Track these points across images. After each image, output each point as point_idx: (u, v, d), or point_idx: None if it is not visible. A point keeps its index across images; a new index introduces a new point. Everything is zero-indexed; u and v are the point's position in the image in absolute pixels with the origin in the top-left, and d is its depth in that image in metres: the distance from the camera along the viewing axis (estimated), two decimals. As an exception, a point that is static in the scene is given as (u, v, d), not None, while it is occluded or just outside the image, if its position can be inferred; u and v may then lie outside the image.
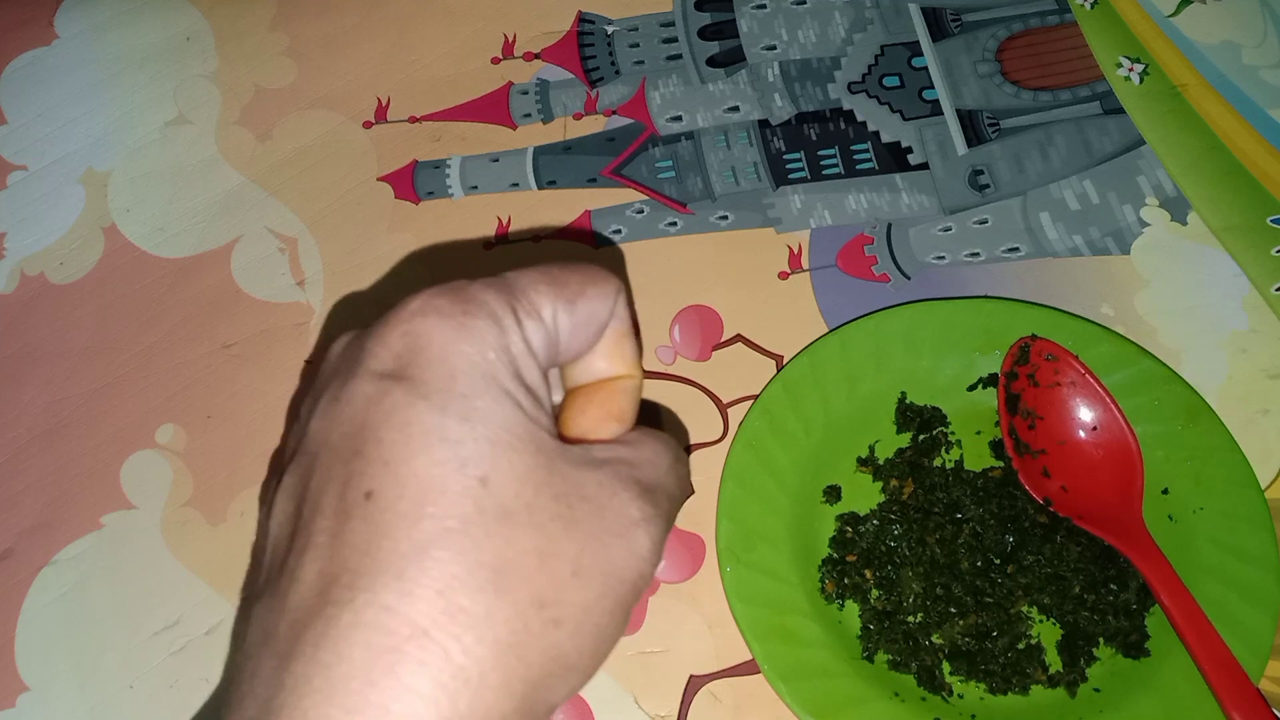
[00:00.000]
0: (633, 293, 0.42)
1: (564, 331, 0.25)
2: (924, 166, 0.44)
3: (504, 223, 0.44)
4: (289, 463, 0.24)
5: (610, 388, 0.27)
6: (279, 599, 0.22)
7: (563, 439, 0.24)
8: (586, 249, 0.43)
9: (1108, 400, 0.36)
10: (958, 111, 0.45)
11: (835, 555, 0.36)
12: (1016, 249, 0.42)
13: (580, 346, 0.26)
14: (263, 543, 0.25)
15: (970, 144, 0.44)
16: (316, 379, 0.26)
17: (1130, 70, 0.45)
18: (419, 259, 0.43)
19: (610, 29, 0.48)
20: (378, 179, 0.45)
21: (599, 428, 0.26)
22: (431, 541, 0.21)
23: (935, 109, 0.45)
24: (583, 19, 0.48)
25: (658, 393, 0.40)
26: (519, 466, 0.22)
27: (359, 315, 0.42)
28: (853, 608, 0.36)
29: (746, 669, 0.35)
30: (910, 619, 0.35)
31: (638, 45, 0.47)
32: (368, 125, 0.46)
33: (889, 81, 0.46)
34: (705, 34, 0.47)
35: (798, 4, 0.48)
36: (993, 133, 0.44)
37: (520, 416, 0.23)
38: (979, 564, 0.35)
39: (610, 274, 0.26)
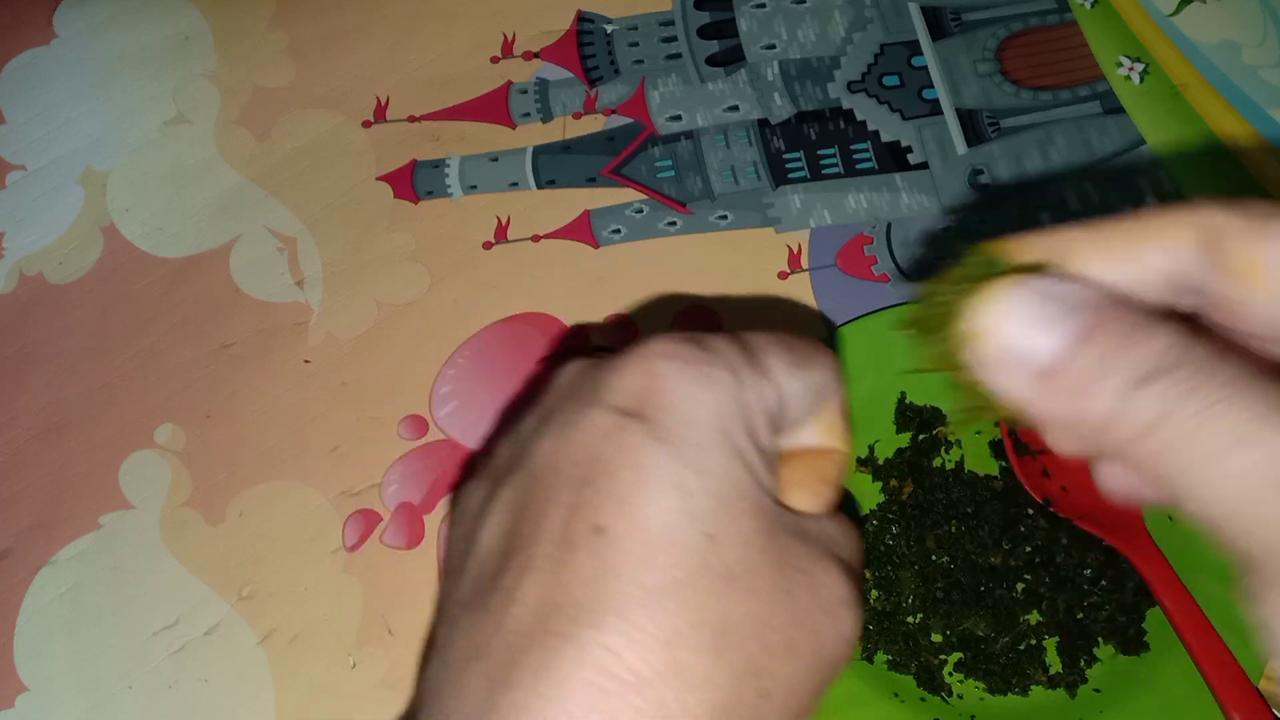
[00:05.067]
0: (633, 293, 0.42)
1: (793, 397, 0.25)
2: (924, 166, 0.44)
3: (503, 222, 0.43)
4: (506, 476, 0.24)
5: (822, 454, 0.26)
6: (492, 615, 0.22)
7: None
8: (587, 248, 0.43)
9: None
10: (957, 111, 0.45)
11: (835, 555, 0.36)
12: (1016, 249, 0.42)
13: (801, 414, 0.25)
14: (464, 549, 0.25)
15: (970, 143, 0.44)
16: (543, 399, 0.26)
17: (1130, 70, 0.45)
18: (418, 258, 0.43)
19: (609, 28, 0.48)
20: (377, 178, 0.45)
21: (808, 485, 0.25)
22: (660, 590, 0.21)
23: (935, 108, 0.45)
24: (582, 18, 0.48)
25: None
26: (744, 528, 0.22)
27: (358, 315, 0.42)
28: (852, 608, 0.36)
29: (746, 669, 0.35)
30: (910, 619, 0.35)
31: (637, 44, 0.47)
32: (367, 125, 0.46)
33: (889, 81, 0.46)
34: (705, 33, 0.47)
35: (797, 3, 0.48)
36: (992, 132, 0.44)
37: (748, 477, 0.22)
38: (979, 564, 0.35)
39: (828, 349, 0.26)
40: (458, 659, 0.22)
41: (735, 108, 0.45)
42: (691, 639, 0.20)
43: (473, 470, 0.39)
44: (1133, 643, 0.34)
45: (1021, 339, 0.19)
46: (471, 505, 0.26)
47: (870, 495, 0.37)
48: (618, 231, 0.43)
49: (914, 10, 0.47)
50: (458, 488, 0.38)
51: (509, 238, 0.43)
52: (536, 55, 0.47)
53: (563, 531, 0.22)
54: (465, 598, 0.23)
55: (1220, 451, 0.17)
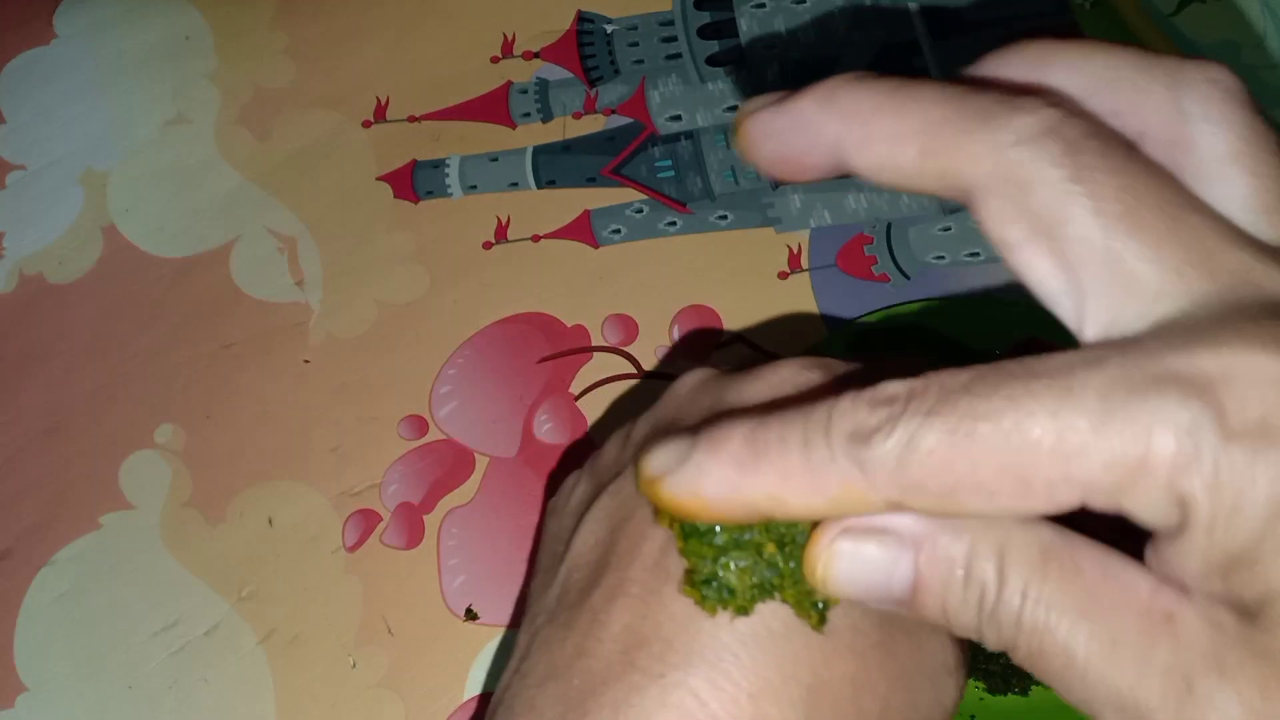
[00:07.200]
0: (633, 292, 0.42)
1: None
2: (924, 166, 0.44)
3: (503, 222, 0.44)
4: (609, 480, 0.24)
5: None
6: (575, 635, 0.21)
7: None
8: (587, 248, 0.43)
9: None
10: (957, 111, 0.45)
11: (835, 555, 0.36)
12: (1016, 249, 0.42)
13: None
14: (556, 549, 0.24)
15: (970, 143, 0.44)
16: (660, 403, 0.25)
17: (1130, 70, 0.45)
18: (418, 258, 0.43)
19: (609, 28, 0.48)
20: (377, 178, 0.45)
21: None
22: (753, 639, 0.20)
23: (935, 108, 0.45)
24: (582, 18, 0.48)
25: (657, 393, 0.40)
26: None
27: (358, 315, 0.42)
28: (852, 608, 0.36)
29: (746, 669, 0.35)
30: (910, 619, 0.35)
31: (637, 44, 0.47)
32: (367, 125, 0.46)
33: (889, 81, 0.46)
34: (705, 33, 0.47)
35: (797, 3, 0.48)
36: (993, 132, 0.44)
37: None
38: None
39: None
40: (535, 675, 0.21)
41: (735, 108, 0.45)
42: (781, 694, 0.20)
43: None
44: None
45: (871, 592, 0.17)
46: (572, 502, 0.25)
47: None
48: (618, 231, 0.43)
49: (914, 10, 0.47)
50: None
51: (509, 238, 0.43)
52: (536, 55, 0.47)
53: (658, 558, 0.21)
54: (551, 605, 0.23)
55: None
